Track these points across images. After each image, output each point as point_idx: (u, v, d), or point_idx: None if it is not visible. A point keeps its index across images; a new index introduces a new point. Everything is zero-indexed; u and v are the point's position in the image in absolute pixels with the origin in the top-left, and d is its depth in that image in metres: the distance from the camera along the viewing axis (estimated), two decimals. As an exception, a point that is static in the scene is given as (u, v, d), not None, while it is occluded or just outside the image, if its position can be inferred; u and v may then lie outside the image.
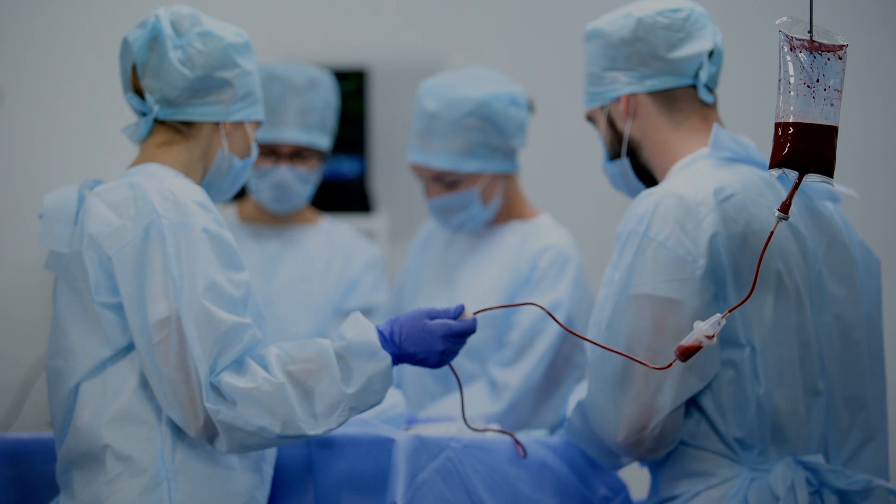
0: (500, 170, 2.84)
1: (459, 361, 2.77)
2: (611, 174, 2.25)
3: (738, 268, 2.00)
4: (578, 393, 2.28)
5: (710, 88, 2.18)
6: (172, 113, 2.10)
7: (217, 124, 2.13)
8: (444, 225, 2.90)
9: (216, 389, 1.90)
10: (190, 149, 2.11)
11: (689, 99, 2.17)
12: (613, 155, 2.22)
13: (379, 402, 1.96)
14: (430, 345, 1.97)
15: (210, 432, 1.92)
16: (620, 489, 2.26)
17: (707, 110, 2.18)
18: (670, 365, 1.78)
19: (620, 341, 2.00)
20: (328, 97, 3.20)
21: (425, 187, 2.88)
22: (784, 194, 2.07)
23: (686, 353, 1.73)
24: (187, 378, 1.90)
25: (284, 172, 3.13)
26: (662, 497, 2.07)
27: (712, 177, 2.05)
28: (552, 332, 2.73)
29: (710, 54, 2.17)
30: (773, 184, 2.08)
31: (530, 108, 2.91)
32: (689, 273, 1.99)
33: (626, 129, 2.18)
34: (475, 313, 2.00)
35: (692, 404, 2.04)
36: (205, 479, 1.96)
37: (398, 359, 1.97)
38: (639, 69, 2.16)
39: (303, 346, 1.95)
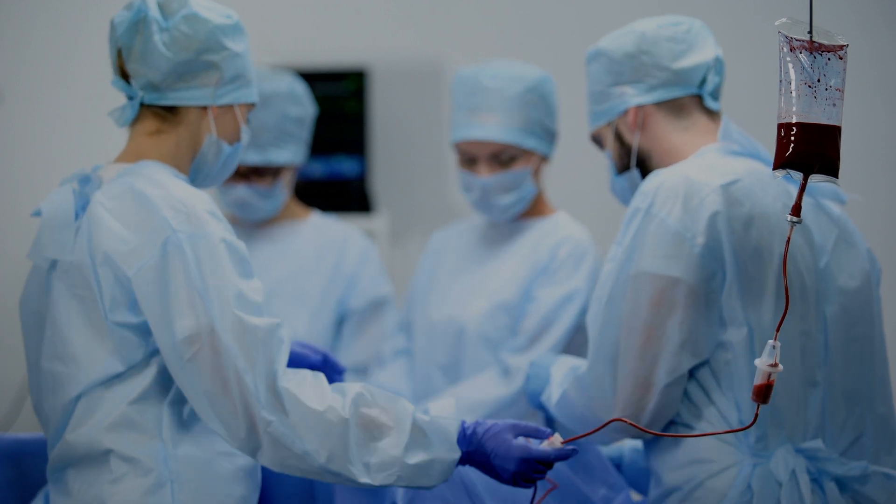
0: (548, 153, 2.88)
1: (475, 351, 2.78)
2: (620, 188, 2.27)
3: (739, 251, 2.02)
4: (561, 368, 2.28)
5: (715, 97, 2.21)
6: (158, 98, 2.05)
7: (205, 109, 2.07)
8: (486, 208, 2.87)
9: (277, 396, 1.87)
10: (178, 136, 2.06)
11: (695, 107, 2.19)
12: (622, 168, 2.24)
13: (428, 488, 1.92)
14: (504, 461, 1.92)
15: (253, 444, 1.88)
16: (621, 489, 2.26)
17: (714, 117, 2.20)
18: (755, 419, 1.80)
19: (620, 317, 2.04)
20: (285, 109, 3.11)
21: (468, 168, 2.85)
22: (789, 188, 2.09)
23: (762, 393, 1.74)
24: (226, 390, 1.87)
25: (241, 191, 3.05)
26: (666, 488, 2.08)
27: (719, 162, 2.08)
28: (566, 321, 2.75)
29: (714, 64, 2.19)
30: (779, 179, 2.09)
31: None
32: (688, 249, 2.01)
33: (635, 140, 2.20)
34: (563, 442, 1.95)
35: (695, 384, 2.06)
36: (205, 483, 1.94)
37: (467, 457, 1.93)
38: (645, 80, 2.18)
39: (389, 398, 1.91)
